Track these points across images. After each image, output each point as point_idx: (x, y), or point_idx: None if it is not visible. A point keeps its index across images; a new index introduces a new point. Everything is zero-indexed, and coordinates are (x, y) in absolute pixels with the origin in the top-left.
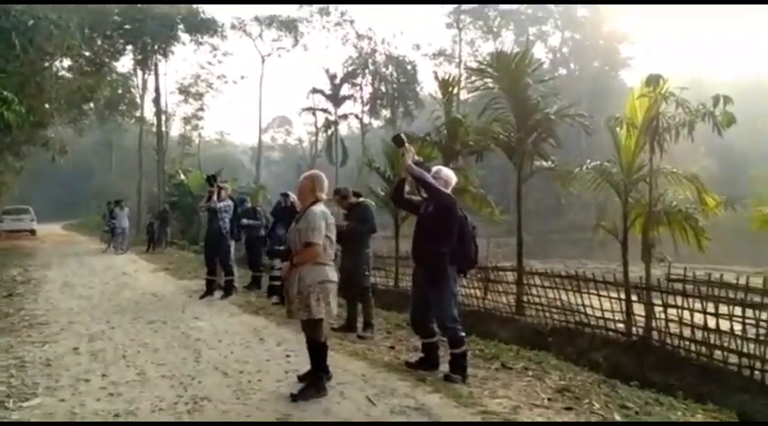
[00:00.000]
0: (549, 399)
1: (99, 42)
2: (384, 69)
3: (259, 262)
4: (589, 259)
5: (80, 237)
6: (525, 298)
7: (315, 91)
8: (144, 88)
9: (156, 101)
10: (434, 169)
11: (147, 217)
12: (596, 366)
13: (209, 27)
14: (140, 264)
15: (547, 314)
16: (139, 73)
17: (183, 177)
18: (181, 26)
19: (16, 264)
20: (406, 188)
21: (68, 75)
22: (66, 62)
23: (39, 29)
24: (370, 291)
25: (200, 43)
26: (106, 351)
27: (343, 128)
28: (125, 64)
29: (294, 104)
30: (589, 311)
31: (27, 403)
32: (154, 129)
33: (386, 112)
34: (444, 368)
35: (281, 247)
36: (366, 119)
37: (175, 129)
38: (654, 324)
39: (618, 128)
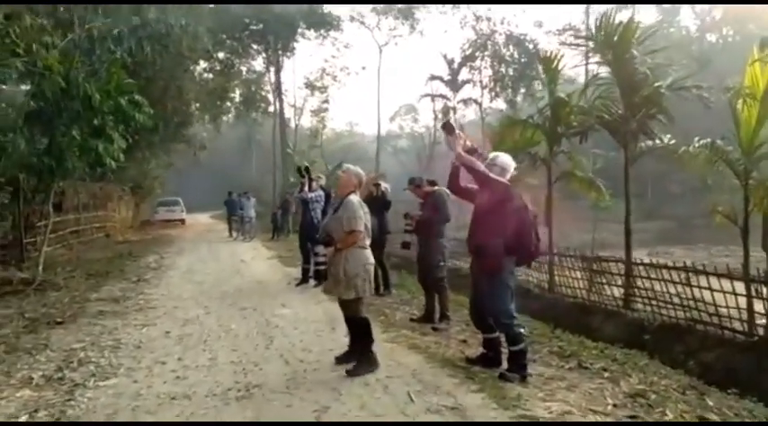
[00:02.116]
0: (614, 405)
1: (228, 44)
2: (504, 50)
3: None
4: (738, 245)
5: (220, 226)
6: (634, 291)
7: (433, 77)
8: (274, 85)
9: (278, 95)
10: (491, 156)
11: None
12: (706, 369)
13: (328, 21)
14: (259, 252)
15: (655, 308)
16: (271, 70)
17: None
18: (302, 23)
19: (156, 251)
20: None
21: (206, 75)
22: (203, 65)
23: (171, 36)
24: (446, 282)
25: (324, 36)
26: (192, 336)
27: (463, 114)
28: (256, 63)
29: (414, 92)
30: (703, 306)
31: (104, 383)
32: (293, 123)
33: (506, 95)
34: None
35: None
36: (486, 103)
37: (306, 122)
38: None
39: (738, 101)
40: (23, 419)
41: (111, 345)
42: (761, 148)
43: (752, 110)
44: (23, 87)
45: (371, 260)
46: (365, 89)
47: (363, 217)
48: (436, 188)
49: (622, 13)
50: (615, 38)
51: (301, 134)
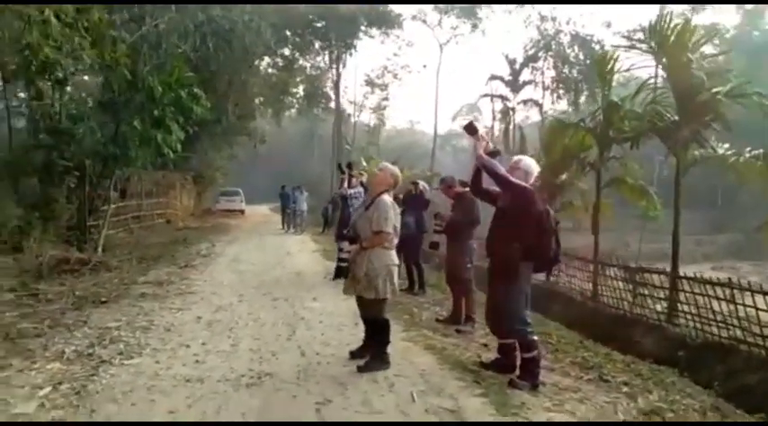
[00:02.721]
0: (624, 421)
1: (291, 40)
2: (569, 51)
3: None
4: None
5: (276, 218)
6: (677, 306)
7: (493, 77)
8: (335, 81)
9: (338, 92)
10: (514, 159)
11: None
12: (746, 391)
13: (390, 19)
14: (306, 245)
15: (698, 325)
16: (330, 66)
17: (364, 164)
18: (363, 21)
19: (209, 239)
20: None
21: (270, 71)
22: (266, 60)
23: (235, 32)
24: (472, 284)
25: (387, 34)
26: (221, 322)
27: (523, 115)
28: (319, 59)
29: (475, 92)
30: (747, 325)
31: (128, 362)
32: (352, 120)
33: (569, 97)
34: None
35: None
36: (547, 105)
37: (367, 119)
38: None
39: None
40: (47, 390)
41: (144, 326)
42: None
43: None
44: (85, 78)
45: (395, 261)
46: (427, 87)
47: (393, 219)
48: (468, 189)
49: (700, 15)
50: (671, 41)
51: (360, 130)
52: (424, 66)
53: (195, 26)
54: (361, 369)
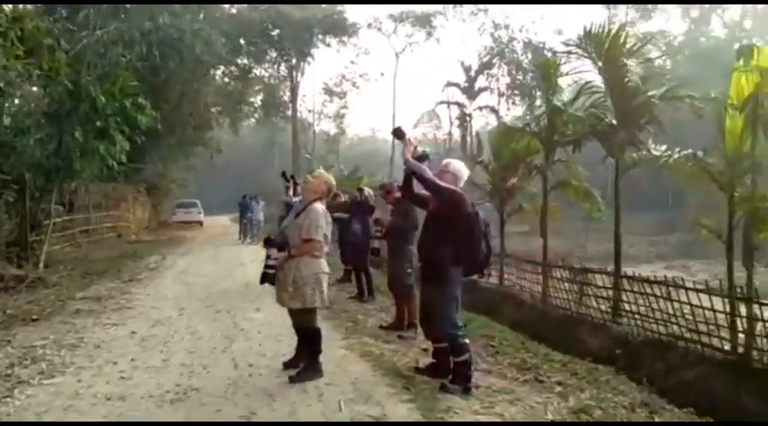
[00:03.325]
0: (552, 421)
1: (245, 49)
2: (522, 57)
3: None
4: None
5: (235, 228)
6: (622, 305)
7: (449, 84)
8: (292, 90)
9: (295, 100)
10: (444, 162)
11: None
12: (684, 386)
13: (344, 28)
14: (260, 255)
15: (638, 322)
16: (287, 75)
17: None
18: (318, 29)
19: (161, 252)
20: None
21: (226, 80)
22: (222, 69)
23: (184, 41)
24: (414, 289)
25: (344, 42)
26: (156, 337)
27: (483, 122)
28: (276, 68)
29: (433, 98)
30: (683, 322)
31: (49, 381)
32: (313, 129)
33: (525, 103)
34: None
35: (376, 239)
36: (504, 111)
37: (327, 127)
38: (759, 342)
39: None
40: None
41: (72, 343)
42: (745, 160)
43: (736, 120)
44: (34, 89)
45: (325, 269)
46: (385, 95)
47: (324, 227)
48: None
49: (648, 23)
50: (606, 46)
51: (321, 139)
52: (382, 74)
53: (142, 34)
54: (292, 380)
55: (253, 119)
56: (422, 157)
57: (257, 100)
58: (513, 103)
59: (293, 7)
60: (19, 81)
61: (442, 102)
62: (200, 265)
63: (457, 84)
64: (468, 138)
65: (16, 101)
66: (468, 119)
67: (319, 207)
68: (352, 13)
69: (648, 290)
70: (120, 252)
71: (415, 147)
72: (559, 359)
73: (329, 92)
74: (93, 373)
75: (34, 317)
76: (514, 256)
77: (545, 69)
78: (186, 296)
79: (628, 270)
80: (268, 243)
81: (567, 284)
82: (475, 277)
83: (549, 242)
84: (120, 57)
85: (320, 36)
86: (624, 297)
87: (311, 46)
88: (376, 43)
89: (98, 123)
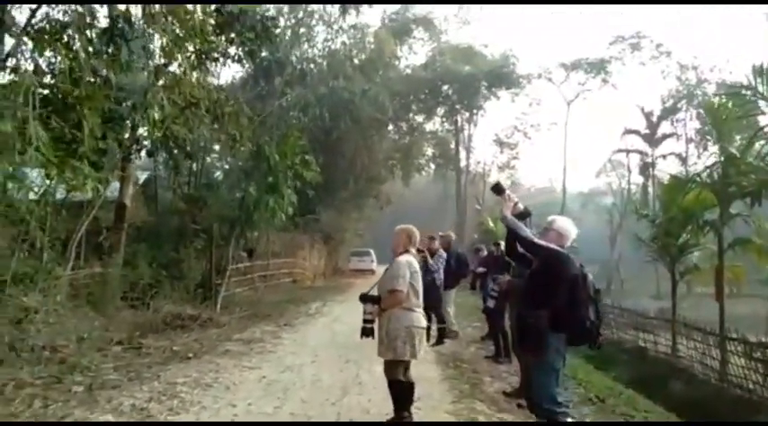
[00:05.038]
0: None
1: (413, 107)
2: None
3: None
4: None
5: None
6: None
7: (628, 131)
8: (461, 143)
9: (457, 153)
10: (549, 219)
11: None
12: None
13: (510, 80)
14: None
15: None
16: (456, 128)
17: (491, 224)
18: (483, 83)
19: (325, 298)
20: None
21: (397, 136)
22: (392, 126)
23: (354, 102)
24: None
25: (516, 94)
26: (280, 383)
27: (665, 170)
28: (443, 121)
29: (605, 147)
30: None
31: (172, 418)
32: (486, 179)
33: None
34: None
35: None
36: (693, 158)
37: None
38: None
39: None
40: None
41: (208, 383)
42: None
43: None
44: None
45: (417, 323)
46: (557, 144)
47: (409, 277)
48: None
49: None
50: None
51: (488, 189)
52: (555, 124)
53: (317, 99)
54: None
55: (426, 171)
56: (523, 214)
57: (428, 153)
58: (704, 150)
59: (461, 63)
60: (208, 146)
61: (620, 151)
62: (353, 313)
63: (637, 131)
64: (650, 189)
65: (208, 159)
66: (649, 167)
67: (403, 258)
68: (522, 63)
69: None
70: (289, 297)
71: (516, 203)
72: None
73: (500, 143)
74: (211, 414)
75: (189, 355)
76: (684, 322)
77: (715, 113)
78: (326, 343)
79: None
80: (363, 298)
81: (745, 360)
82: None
83: (731, 307)
84: (295, 120)
85: (488, 89)
86: None
87: (479, 99)
88: (547, 92)
89: (270, 179)
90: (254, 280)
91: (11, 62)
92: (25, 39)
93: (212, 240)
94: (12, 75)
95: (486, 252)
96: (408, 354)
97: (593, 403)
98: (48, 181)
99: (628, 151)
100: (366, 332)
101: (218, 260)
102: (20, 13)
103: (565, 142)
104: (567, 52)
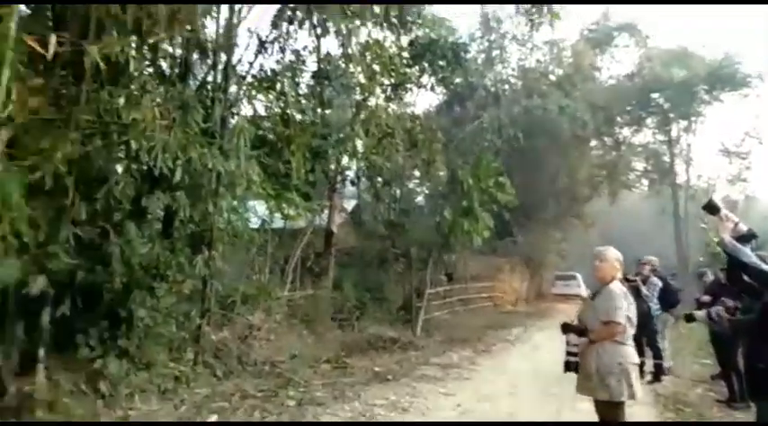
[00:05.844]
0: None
1: (619, 119)
2: None
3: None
4: None
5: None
6: None
7: None
8: (673, 155)
9: (671, 166)
10: None
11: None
12: None
13: (733, 81)
14: None
15: None
16: (669, 139)
17: (718, 247)
18: (704, 86)
19: (526, 324)
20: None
21: (598, 151)
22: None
23: (551, 120)
24: None
25: (745, 95)
26: (474, 413)
27: None
28: (654, 133)
29: None
30: None
31: None
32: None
33: None
34: None
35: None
36: None
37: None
38: None
39: None
40: None
41: (404, 407)
42: None
43: None
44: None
45: (632, 359)
46: None
47: (626, 309)
48: None
49: None
50: None
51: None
52: None
53: (511, 120)
54: None
55: (639, 187)
56: (746, 237)
57: (638, 168)
58: None
59: (674, 67)
60: (406, 173)
61: None
62: (554, 341)
63: None
64: None
65: (409, 185)
66: None
67: (616, 287)
68: (751, 60)
69: None
70: (488, 322)
71: (736, 224)
72: None
73: (728, 152)
74: None
75: (389, 377)
76: None
77: None
78: (526, 373)
79: None
80: (566, 328)
81: None
82: None
83: None
84: (488, 142)
85: (709, 93)
86: None
87: (698, 105)
88: None
89: (464, 202)
90: (453, 304)
91: (235, 109)
92: (244, 87)
93: (411, 263)
94: (234, 120)
95: (711, 277)
96: (626, 394)
97: None
98: (266, 212)
99: None
100: (570, 367)
101: (418, 283)
102: (240, 65)
103: None
104: None
